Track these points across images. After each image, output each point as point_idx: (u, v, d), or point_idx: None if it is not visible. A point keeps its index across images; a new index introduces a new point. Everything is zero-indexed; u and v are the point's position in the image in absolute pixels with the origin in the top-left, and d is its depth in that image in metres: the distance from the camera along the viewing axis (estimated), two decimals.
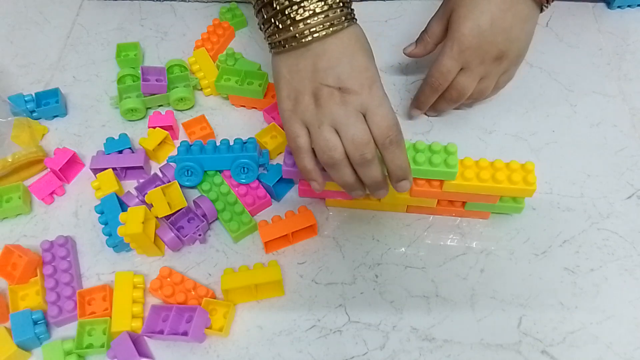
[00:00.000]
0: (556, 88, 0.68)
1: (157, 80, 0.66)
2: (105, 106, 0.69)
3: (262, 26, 0.48)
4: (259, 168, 0.59)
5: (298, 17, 0.44)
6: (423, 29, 0.61)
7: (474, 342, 0.51)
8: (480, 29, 0.54)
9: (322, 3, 0.44)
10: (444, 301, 0.53)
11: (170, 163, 0.61)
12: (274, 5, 0.45)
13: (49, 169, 0.61)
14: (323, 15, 0.44)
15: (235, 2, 0.77)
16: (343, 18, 0.45)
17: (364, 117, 0.45)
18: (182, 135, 0.66)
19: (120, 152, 0.62)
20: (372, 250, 0.56)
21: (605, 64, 0.70)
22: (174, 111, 0.67)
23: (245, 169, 0.59)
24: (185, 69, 0.68)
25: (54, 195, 0.61)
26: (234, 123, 0.66)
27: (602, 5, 0.76)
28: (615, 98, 0.67)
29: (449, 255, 0.56)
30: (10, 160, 0.60)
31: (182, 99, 0.66)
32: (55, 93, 0.67)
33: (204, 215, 0.57)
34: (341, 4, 0.45)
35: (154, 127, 0.63)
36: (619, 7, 0.75)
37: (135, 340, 0.50)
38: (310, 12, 0.44)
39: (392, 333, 0.51)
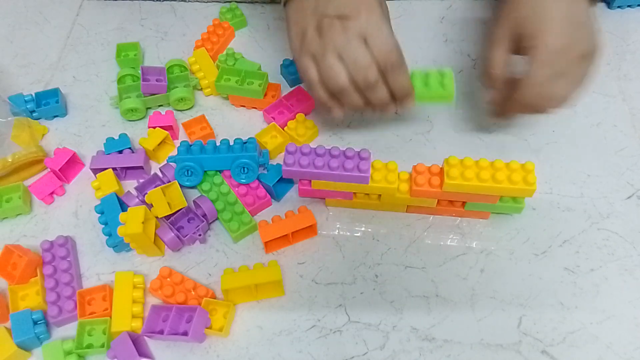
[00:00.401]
0: None
1: (157, 80, 0.66)
2: (105, 106, 0.69)
3: None
4: (259, 168, 0.59)
5: None
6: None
7: (474, 342, 0.51)
8: (561, 27, 0.50)
9: None
10: (444, 301, 0.53)
11: (170, 163, 0.61)
12: None
13: (49, 169, 0.61)
14: None
15: (235, 2, 0.77)
16: None
17: (366, 42, 0.47)
18: (182, 135, 0.66)
19: (120, 152, 0.62)
20: (372, 250, 0.56)
21: (605, 64, 0.70)
22: (174, 111, 0.67)
23: (245, 169, 0.59)
24: (185, 69, 0.68)
25: (54, 195, 0.61)
26: (234, 123, 0.66)
27: (602, 5, 0.76)
28: (615, 98, 0.67)
29: (449, 255, 0.56)
30: (10, 160, 0.60)
31: (182, 99, 0.66)
32: (55, 93, 0.67)
33: (204, 215, 0.57)
34: None
35: (154, 127, 0.63)
36: (619, 7, 0.75)
37: (135, 340, 0.50)
38: None
39: (392, 333, 0.51)
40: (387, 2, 0.77)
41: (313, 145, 0.64)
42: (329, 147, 0.53)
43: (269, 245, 0.56)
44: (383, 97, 0.49)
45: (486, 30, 0.56)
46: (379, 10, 0.48)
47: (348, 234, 0.57)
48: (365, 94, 0.49)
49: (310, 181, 0.56)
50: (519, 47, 0.52)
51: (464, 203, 0.56)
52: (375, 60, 0.47)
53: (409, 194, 0.55)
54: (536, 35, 0.50)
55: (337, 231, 0.58)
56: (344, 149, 0.53)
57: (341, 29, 0.47)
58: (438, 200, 0.56)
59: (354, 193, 0.57)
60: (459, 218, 0.58)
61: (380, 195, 0.56)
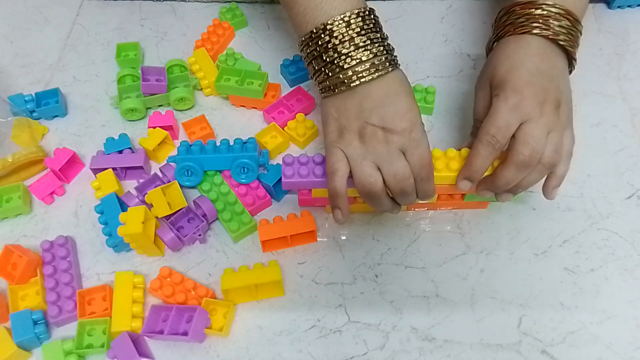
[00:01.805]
0: None
1: (157, 80, 0.66)
2: (105, 106, 0.69)
3: (313, 76, 0.52)
4: (259, 168, 0.59)
5: (346, 66, 0.48)
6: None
7: (474, 342, 0.51)
8: (530, 74, 0.50)
9: (368, 52, 0.48)
10: (444, 301, 0.53)
11: (170, 163, 0.61)
12: (324, 58, 0.49)
13: (49, 169, 0.61)
14: (369, 63, 0.48)
15: (235, 2, 0.77)
16: (387, 64, 0.49)
17: (405, 154, 0.49)
18: (182, 135, 0.66)
19: (120, 152, 0.62)
20: (372, 250, 0.56)
21: (605, 64, 0.70)
22: (174, 111, 0.67)
23: (245, 169, 0.59)
24: (185, 69, 0.68)
25: (54, 195, 0.61)
26: (234, 123, 0.66)
27: (602, 5, 0.76)
28: (615, 98, 0.67)
29: (449, 255, 0.56)
30: (10, 160, 0.60)
31: (182, 99, 0.66)
32: (55, 93, 0.67)
33: (204, 215, 0.57)
34: (385, 52, 0.49)
35: (154, 127, 0.63)
36: (619, 7, 0.75)
37: (135, 340, 0.50)
38: (357, 60, 0.48)
39: (392, 333, 0.51)
40: (387, 2, 0.78)
41: (313, 145, 0.64)
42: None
43: (267, 244, 0.56)
44: (412, 201, 0.51)
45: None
46: (421, 125, 0.49)
47: (348, 234, 0.57)
48: (396, 199, 0.51)
49: (310, 190, 0.55)
50: (493, 93, 0.52)
51: (463, 195, 0.56)
52: (411, 171, 0.49)
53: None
54: (504, 82, 0.50)
55: (337, 231, 0.58)
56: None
57: (384, 140, 0.48)
58: (438, 195, 0.56)
59: (354, 197, 0.57)
60: (459, 217, 0.58)
61: None
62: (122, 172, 0.61)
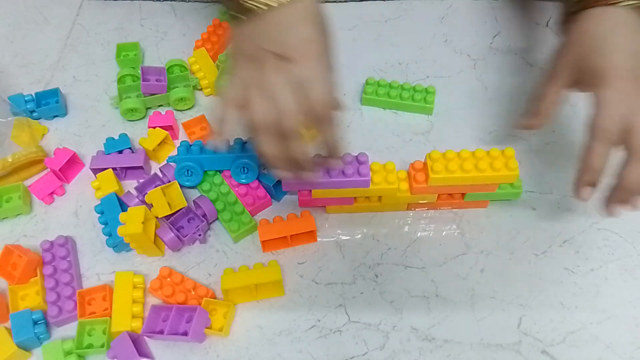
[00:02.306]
0: None
1: (157, 80, 0.66)
2: (105, 106, 0.69)
3: (227, 5, 0.48)
4: (259, 168, 0.59)
5: None
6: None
7: (474, 342, 0.51)
8: (628, 58, 0.45)
9: None
10: (444, 301, 0.53)
11: (170, 163, 0.61)
12: None
13: (49, 169, 0.61)
14: None
15: None
16: None
17: (300, 89, 0.44)
18: (182, 135, 0.66)
19: (120, 152, 0.62)
20: (372, 250, 0.56)
21: None
22: (174, 111, 0.67)
23: (245, 169, 0.59)
24: (185, 69, 0.68)
25: (54, 195, 0.61)
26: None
27: None
28: None
29: (449, 255, 0.56)
30: (10, 160, 0.60)
31: (182, 99, 0.66)
32: (55, 93, 0.67)
33: (204, 215, 0.57)
34: None
35: (154, 127, 0.63)
36: None
37: (135, 340, 0.50)
38: None
39: (392, 333, 0.51)
40: (387, 2, 0.78)
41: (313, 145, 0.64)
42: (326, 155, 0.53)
43: (267, 244, 0.56)
44: (297, 154, 0.46)
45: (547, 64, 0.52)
46: (326, 58, 0.45)
47: (348, 234, 0.57)
48: (278, 142, 0.46)
49: (310, 191, 0.55)
50: (584, 82, 0.48)
51: (463, 195, 0.56)
52: (305, 110, 0.44)
53: (410, 191, 0.55)
54: (604, 70, 0.46)
55: (337, 231, 0.58)
56: (342, 154, 0.53)
57: (277, 68, 0.44)
58: (438, 195, 0.56)
59: (355, 197, 0.57)
60: (459, 217, 0.58)
61: (380, 196, 0.56)
62: (122, 172, 0.61)
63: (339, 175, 0.52)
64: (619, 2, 0.46)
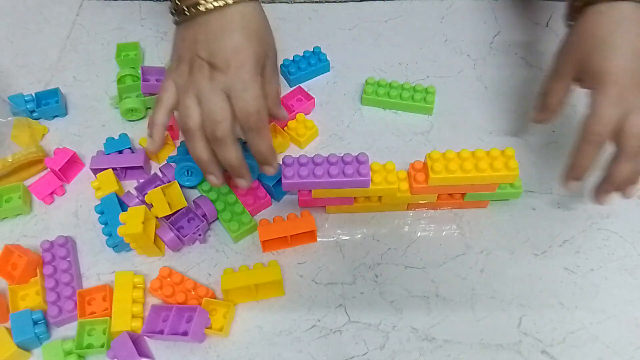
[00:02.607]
0: None
1: (157, 80, 0.66)
2: (105, 106, 0.69)
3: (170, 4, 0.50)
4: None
5: None
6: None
7: (474, 342, 0.51)
8: (627, 60, 0.46)
9: None
10: (444, 301, 0.53)
11: (170, 163, 0.61)
12: None
13: (49, 169, 0.61)
14: None
15: None
16: None
17: (230, 96, 0.45)
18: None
19: (120, 152, 0.62)
20: (372, 250, 0.56)
21: None
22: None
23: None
24: None
25: (54, 195, 0.61)
26: None
27: None
28: None
29: (449, 255, 0.56)
30: (10, 160, 0.60)
31: None
32: (55, 93, 0.67)
33: (204, 215, 0.57)
34: None
35: None
36: None
37: (135, 340, 0.50)
38: None
39: (392, 333, 0.51)
40: (387, 2, 0.78)
41: (313, 145, 0.64)
42: (326, 155, 0.53)
43: (267, 244, 0.56)
44: (231, 159, 0.47)
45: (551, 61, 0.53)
46: (253, 67, 0.45)
47: (348, 234, 0.57)
48: (213, 147, 0.47)
49: (310, 191, 0.55)
50: (584, 80, 0.49)
51: (463, 195, 0.56)
52: (234, 117, 0.45)
53: (410, 191, 0.55)
54: (601, 71, 0.46)
55: (337, 231, 0.58)
56: (342, 154, 0.53)
57: (208, 76, 0.45)
58: (438, 195, 0.56)
59: (355, 197, 0.57)
60: (459, 217, 0.58)
61: (380, 196, 0.56)
62: (122, 172, 0.61)
63: (339, 175, 0.52)
64: None
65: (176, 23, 0.49)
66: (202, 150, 0.47)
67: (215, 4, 0.45)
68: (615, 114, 0.46)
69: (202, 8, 0.45)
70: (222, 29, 0.45)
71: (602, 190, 0.49)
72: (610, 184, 0.48)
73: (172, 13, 0.49)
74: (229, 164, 0.48)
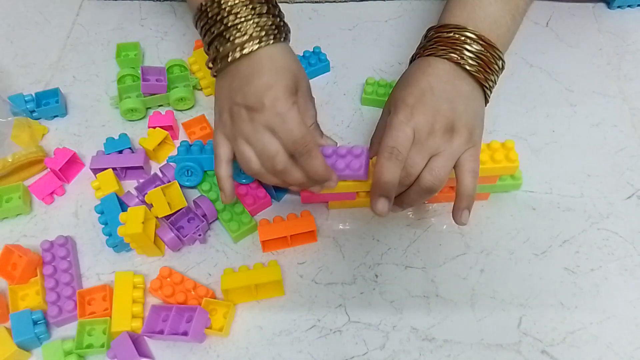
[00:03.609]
0: (556, 88, 0.68)
1: (157, 80, 0.66)
2: (105, 106, 0.69)
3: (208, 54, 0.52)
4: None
5: (219, 46, 0.49)
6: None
7: (474, 342, 0.51)
8: (421, 91, 0.49)
9: (236, 32, 0.49)
10: (444, 301, 0.53)
11: (170, 163, 0.61)
12: (208, 45, 0.51)
13: (49, 169, 0.61)
14: (236, 42, 0.48)
15: None
16: (256, 41, 0.48)
17: (274, 131, 0.48)
18: (182, 135, 0.66)
19: (120, 152, 0.62)
20: (372, 250, 0.56)
21: (605, 64, 0.70)
22: (174, 111, 0.67)
23: None
24: (185, 69, 0.68)
25: (54, 195, 0.61)
26: None
27: (602, 5, 0.76)
28: (615, 98, 0.67)
29: (449, 255, 0.56)
30: (10, 160, 0.60)
31: (182, 99, 0.66)
32: (55, 93, 0.67)
33: (204, 215, 0.57)
34: (259, 29, 0.49)
35: (154, 127, 0.63)
36: (619, 7, 0.75)
37: (135, 340, 0.50)
38: (227, 40, 0.49)
39: (392, 333, 0.51)
40: (387, 2, 0.78)
41: None
42: (336, 147, 0.53)
43: (267, 244, 0.56)
44: (298, 179, 0.50)
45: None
46: (286, 100, 0.48)
47: (348, 234, 0.57)
48: (278, 178, 0.50)
49: None
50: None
51: None
52: (285, 149, 0.48)
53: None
54: (395, 99, 0.50)
55: (337, 231, 0.58)
56: (350, 146, 0.52)
57: (248, 119, 0.48)
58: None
59: (357, 192, 0.57)
60: None
61: None
62: (122, 172, 0.61)
63: (361, 169, 0.51)
64: (434, 54, 0.51)
65: (214, 76, 0.52)
66: (275, 180, 0.51)
67: (243, 52, 0.48)
68: (406, 131, 0.48)
69: (229, 59, 0.49)
70: (252, 72, 0.48)
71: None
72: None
73: (209, 67, 0.52)
74: (299, 183, 0.51)
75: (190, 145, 0.59)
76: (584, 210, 0.58)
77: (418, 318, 0.52)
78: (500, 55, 0.52)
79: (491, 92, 0.53)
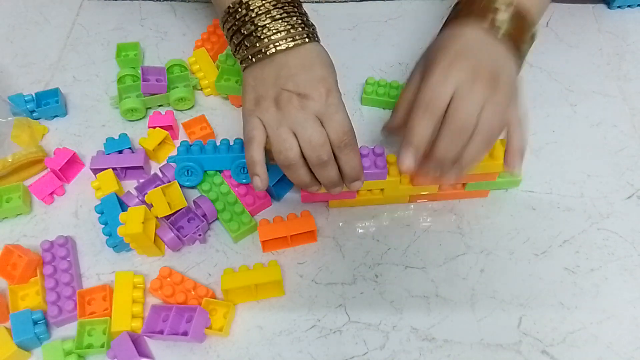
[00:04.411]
0: (556, 88, 0.68)
1: (157, 80, 0.66)
2: (105, 106, 0.69)
3: (234, 51, 0.53)
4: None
5: (263, 36, 0.49)
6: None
7: (474, 342, 0.51)
8: (456, 51, 0.48)
9: (285, 24, 0.49)
10: (444, 301, 0.53)
11: (170, 163, 0.61)
12: (242, 31, 0.50)
13: (49, 169, 0.61)
14: (285, 32, 0.49)
15: None
16: (305, 35, 0.49)
17: (322, 122, 0.48)
18: (182, 135, 0.66)
19: (120, 152, 0.62)
20: (372, 250, 0.56)
21: (605, 64, 0.70)
22: (174, 111, 0.67)
23: (245, 169, 0.59)
24: (185, 69, 0.68)
25: (54, 195, 0.61)
26: (234, 123, 0.66)
27: (602, 5, 0.76)
28: (615, 98, 0.67)
29: (449, 255, 0.56)
30: (10, 160, 0.60)
31: (182, 99, 0.66)
32: (55, 93, 0.67)
33: (204, 215, 0.57)
34: (303, 24, 0.50)
35: (154, 127, 0.63)
36: (619, 7, 0.75)
37: (135, 340, 0.50)
38: (274, 30, 0.49)
39: (392, 333, 0.51)
40: (387, 2, 0.78)
41: None
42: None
43: (267, 244, 0.56)
44: (332, 176, 0.50)
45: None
46: (337, 93, 0.49)
47: (348, 234, 0.57)
48: (314, 171, 0.50)
49: None
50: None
51: (464, 185, 0.57)
52: (330, 140, 0.48)
53: (411, 183, 0.55)
54: (433, 57, 0.49)
55: (337, 231, 0.58)
56: (370, 146, 0.54)
57: (299, 106, 0.48)
58: (439, 185, 0.56)
59: (357, 191, 0.57)
60: (459, 218, 0.58)
61: (383, 189, 0.56)
62: (122, 172, 0.61)
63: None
64: (465, 22, 0.49)
65: (248, 65, 0.51)
66: (306, 175, 0.50)
67: (292, 43, 0.49)
68: (443, 86, 0.47)
69: (282, 47, 0.49)
70: (303, 64, 0.49)
71: (424, 164, 0.49)
72: (431, 158, 0.48)
73: (246, 59, 0.51)
74: (331, 181, 0.50)
75: (190, 145, 0.59)
76: (584, 210, 0.58)
77: (418, 318, 0.52)
78: (534, 22, 0.51)
79: (522, 62, 0.51)
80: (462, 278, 0.54)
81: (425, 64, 0.50)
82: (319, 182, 0.51)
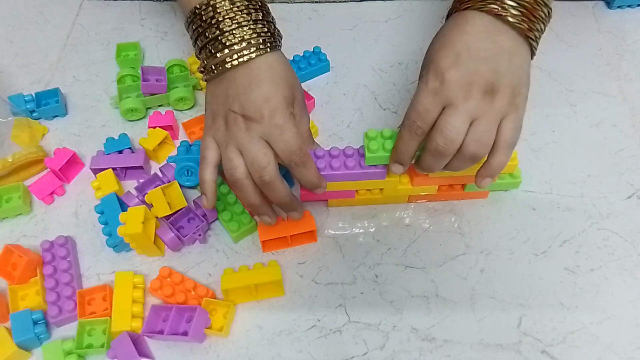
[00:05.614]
0: (556, 88, 0.68)
1: (157, 80, 0.66)
2: (105, 106, 0.69)
3: (197, 54, 0.52)
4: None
5: (228, 42, 0.49)
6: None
7: (474, 342, 0.51)
8: (457, 55, 0.45)
9: (251, 31, 0.49)
10: (444, 301, 0.53)
11: (170, 163, 0.61)
12: (207, 34, 0.50)
13: (49, 169, 0.61)
14: (246, 43, 0.48)
15: None
16: (268, 44, 0.49)
17: (270, 142, 0.48)
18: (182, 135, 0.66)
19: (120, 152, 0.62)
20: (372, 250, 0.56)
21: (605, 64, 0.70)
22: (174, 111, 0.67)
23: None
24: (185, 69, 0.68)
25: (54, 195, 0.61)
26: None
27: (602, 5, 0.76)
28: (615, 98, 0.67)
29: (449, 255, 0.56)
30: (10, 160, 0.60)
31: (182, 99, 0.66)
32: (55, 93, 0.67)
33: (204, 215, 0.57)
34: (268, 32, 0.50)
35: (154, 127, 0.63)
36: (619, 7, 0.75)
37: (135, 340, 0.50)
38: (239, 38, 0.49)
39: (392, 333, 0.51)
40: (387, 2, 0.78)
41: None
42: (343, 148, 0.53)
43: (267, 244, 0.56)
44: (280, 197, 0.50)
45: None
46: (285, 111, 0.48)
47: (348, 234, 0.57)
48: (262, 191, 0.50)
49: None
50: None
51: (463, 185, 0.57)
52: (280, 159, 0.49)
53: (411, 183, 0.55)
54: (427, 63, 0.47)
55: (337, 231, 0.58)
56: (358, 147, 0.53)
57: (245, 128, 0.48)
58: (439, 186, 0.56)
59: (356, 190, 0.57)
60: (459, 218, 0.58)
61: (382, 188, 0.56)
62: (122, 172, 0.61)
63: (355, 168, 0.52)
64: (471, 7, 0.47)
65: (206, 80, 0.52)
66: (253, 196, 0.50)
67: (241, 59, 0.48)
68: (431, 105, 0.46)
69: (228, 65, 0.49)
70: (250, 81, 0.48)
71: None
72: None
73: (201, 72, 0.51)
74: (281, 202, 0.51)
75: (190, 145, 0.59)
76: (584, 210, 0.58)
77: (418, 318, 0.52)
78: (545, 7, 0.47)
79: (538, 44, 0.49)
80: (462, 278, 0.54)
81: (427, 63, 0.48)
82: (269, 206, 0.52)
